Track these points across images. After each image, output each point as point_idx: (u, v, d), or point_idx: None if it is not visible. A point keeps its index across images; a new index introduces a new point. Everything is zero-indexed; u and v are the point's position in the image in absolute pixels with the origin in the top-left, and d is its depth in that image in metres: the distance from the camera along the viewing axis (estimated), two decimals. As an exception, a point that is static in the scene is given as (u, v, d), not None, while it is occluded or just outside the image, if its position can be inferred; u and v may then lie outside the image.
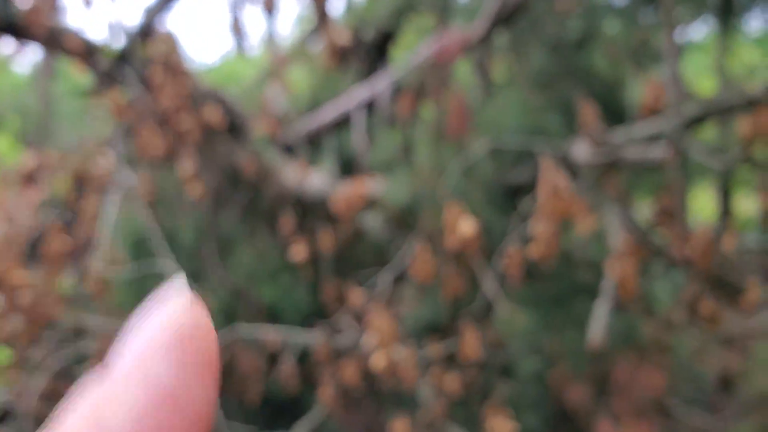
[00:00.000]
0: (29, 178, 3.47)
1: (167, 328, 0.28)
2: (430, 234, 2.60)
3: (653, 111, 2.75)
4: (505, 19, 2.88)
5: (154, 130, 3.02)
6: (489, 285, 2.49)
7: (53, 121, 4.36)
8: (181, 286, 0.31)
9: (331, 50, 2.77)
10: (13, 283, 3.04)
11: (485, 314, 2.71)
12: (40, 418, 3.57)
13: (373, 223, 3.02)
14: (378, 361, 2.54)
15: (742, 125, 2.58)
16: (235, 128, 3.32)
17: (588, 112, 2.62)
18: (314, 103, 3.70)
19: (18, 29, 3.21)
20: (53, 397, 3.58)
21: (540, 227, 2.33)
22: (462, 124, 2.56)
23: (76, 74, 3.82)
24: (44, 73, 3.93)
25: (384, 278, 2.57)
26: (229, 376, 3.34)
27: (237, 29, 2.55)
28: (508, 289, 2.65)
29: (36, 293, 3.19)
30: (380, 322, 2.50)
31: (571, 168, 2.62)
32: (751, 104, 2.56)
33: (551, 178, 2.29)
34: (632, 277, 2.38)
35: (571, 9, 3.09)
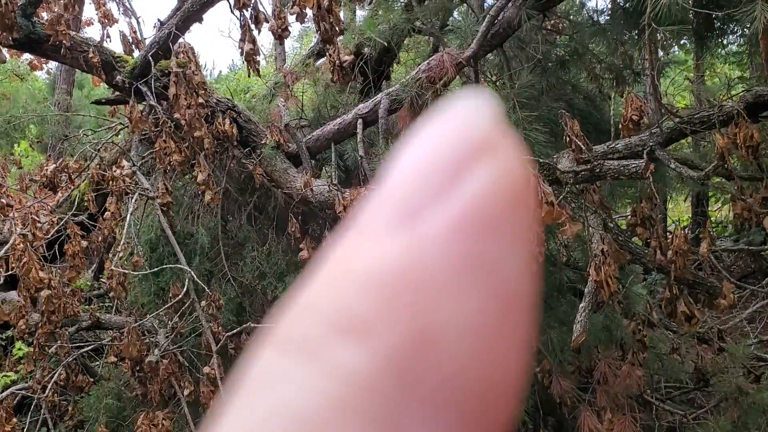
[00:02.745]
0: (50, 183, 3.64)
1: (505, 185, 0.19)
2: None
3: (635, 125, 2.92)
4: (496, 38, 3.07)
5: (170, 140, 3.18)
6: None
7: (72, 128, 4.51)
8: (488, 104, 0.21)
9: (335, 67, 2.95)
10: (35, 281, 3.20)
11: None
12: (57, 408, 3.76)
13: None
14: None
15: (719, 138, 2.75)
16: (246, 138, 3.50)
17: (572, 127, 2.78)
18: (318, 115, 3.88)
19: (40, 45, 3.38)
20: (70, 388, 3.76)
21: None
22: None
23: (96, 83, 4.01)
24: (64, 80, 4.10)
25: None
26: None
27: (249, 58, 2.71)
28: None
29: (55, 290, 3.36)
30: None
31: (557, 178, 2.80)
32: (727, 119, 2.74)
33: (538, 188, 2.45)
34: (613, 279, 2.56)
35: (558, 28, 3.27)
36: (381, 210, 0.20)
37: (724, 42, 3.60)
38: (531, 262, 0.19)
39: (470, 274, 0.18)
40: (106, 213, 3.32)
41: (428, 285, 0.18)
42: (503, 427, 0.19)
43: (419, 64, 3.16)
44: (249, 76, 2.87)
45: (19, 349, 4.09)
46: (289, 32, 2.72)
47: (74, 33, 3.50)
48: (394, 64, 3.93)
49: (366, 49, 3.54)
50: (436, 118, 0.20)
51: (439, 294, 0.18)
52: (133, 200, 3.17)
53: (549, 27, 3.36)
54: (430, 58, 3.00)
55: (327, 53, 2.94)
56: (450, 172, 0.19)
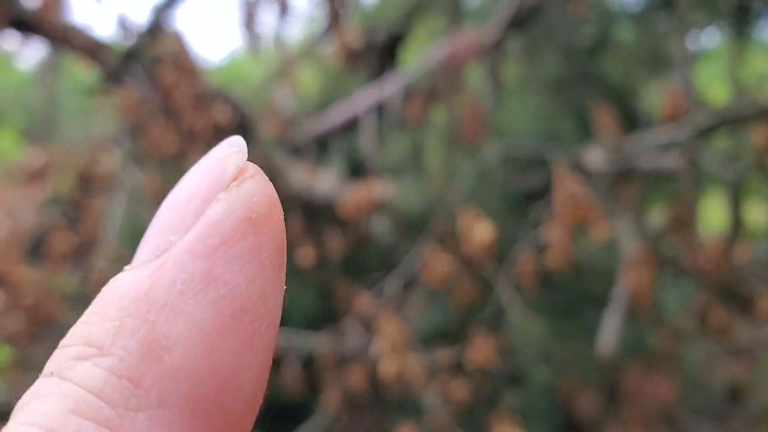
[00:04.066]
0: (33, 176, 3.44)
1: (237, 212, 0.23)
2: (442, 239, 2.57)
3: (672, 119, 2.73)
4: (518, 23, 2.85)
5: (161, 129, 2.99)
6: (501, 292, 2.45)
7: (57, 118, 4.33)
8: (240, 146, 0.25)
9: (342, 51, 2.74)
10: (15, 281, 3.00)
11: (496, 321, 2.68)
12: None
13: (382, 227, 2.99)
14: (387, 368, 2.51)
15: (756, 135, 2.56)
16: (242, 128, 3.29)
17: (603, 118, 2.58)
18: (323, 105, 3.66)
19: (25, 24, 3.18)
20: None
21: (555, 234, 2.29)
22: (475, 128, 2.53)
23: (81, 71, 3.80)
24: (49, 69, 3.88)
25: (393, 283, 2.53)
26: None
27: (250, 27, 2.51)
28: (520, 296, 2.62)
29: (38, 292, 3.15)
30: (389, 327, 2.47)
31: (584, 175, 2.59)
32: (764, 114, 2.53)
33: (566, 185, 2.26)
34: (647, 287, 2.35)
35: (584, 14, 3.07)
36: (144, 243, 0.24)
37: (762, 30, 3.39)
38: (268, 275, 0.23)
39: (197, 289, 0.22)
40: (92, 207, 3.11)
41: (159, 303, 0.22)
42: (241, 425, 0.22)
43: (433, 50, 2.95)
44: (249, 59, 2.64)
45: (-1, 353, 3.86)
46: (290, 10, 2.51)
47: (62, 17, 3.28)
48: (406, 50, 3.73)
49: (376, 33, 3.34)
50: (198, 163, 0.25)
51: (168, 309, 0.22)
52: (121, 193, 2.97)
53: (575, 12, 3.13)
54: (445, 43, 2.79)
55: (334, 37, 2.73)
56: (196, 205, 0.23)
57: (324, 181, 3.17)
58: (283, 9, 2.49)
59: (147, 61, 3.18)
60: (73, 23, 3.29)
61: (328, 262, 3.30)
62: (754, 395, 3.19)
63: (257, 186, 0.24)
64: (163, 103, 3.07)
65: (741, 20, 3.26)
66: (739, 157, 3.15)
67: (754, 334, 3.53)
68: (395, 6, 3.34)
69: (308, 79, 3.95)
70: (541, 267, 2.43)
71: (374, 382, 3.18)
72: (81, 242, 3.42)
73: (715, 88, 3.82)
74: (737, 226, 3.29)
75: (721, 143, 3.28)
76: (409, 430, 2.81)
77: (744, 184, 3.24)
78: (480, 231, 2.26)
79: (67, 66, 4.24)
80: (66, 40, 3.19)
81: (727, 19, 3.27)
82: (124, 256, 3.17)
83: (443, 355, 2.90)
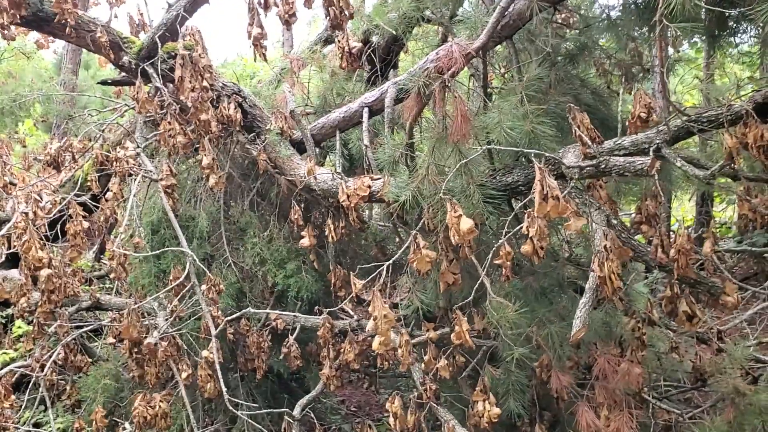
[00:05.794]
0: (54, 162, 3.63)
1: None
2: (430, 228, 2.77)
3: (643, 122, 2.89)
4: (505, 31, 3.04)
5: (175, 121, 3.17)
6: (482, 277, 2.63)
7: (77, 108, 4.50)
8: None
9: (343, 54, 2.92)
10: (34, 259, 3.20)
11: (477, 304, 2.87)
12: (55, 387, 3.77)
13: (376, 216, 3.19)
14: (377, 345, 2.71)
15: (727, 138, 2.72)
16: (250, 123, 3.48)
17: (581, 121, 2.76)
18: (324, 103, 3.86)
19: (48, 23, 3.36)
20: (68, 368, 3.77)
21: (532, 227, 2.48)
22: (462, 128, 2.72)
23: (102, 64, 4.00)
24: (70, 61, 4.08)
25: (384, 268, 2.73)
26: (235, 354, 3.52)
27: (257, 42, 2.69)
28: (499, 281, 2.81)
29: (56, 270, 3.36)
30: (380, 308, 2.66)
31: (562, 173, 2.78)
32: (735, 119, 2.71)
33: (544, 183, 2.43)
34: (615, 276, 2.54)
35: (568, 23, 3.24)
36: None
37: (736, 41, 3.56)
38: None
39: None
40: (109, 194, 3.31)
41: None
42: None
43: (427, 54, 3.13)
44: (255, 61, 2.84)
45: (19, 327, 4.10)
46: (296, 18, 2.71)
47: (81, 12, 3.47)
48: (402, 53, 3.91)
49: (374, 38, 3.52)
50: None
51: None
52: (136, 182, 3.16)
53: (559, 20, 3.33)
54: (439, 48, 2.97)
55: (336, 39, 2.92)
56: None
57: (324, 173, 3.35)
58: (287, 23, 2.67)
59: (163, 56, 3.36)
60: (92, 20, 3.48)
61: (326, 246, 3.53)
62: (719, 380, 3.34)
63: None
64: (177, 97, 3.27)
65: (718, 30, 3.43)
66: (711, 158, 3.30)
67: (720, 324, 3.73)
68: (393, 11, 3.51)
69: (311, 78, 4.12)
70: (520, 256, 2.62)
71: (366, 357, 3.41)
72: (98, 225, 3.64)
73: (691, 93, 3.99)
74: (706, 223, 3.45)
75: (694, 145, 3.44)
76: (398, 403, 3.05)
77: (714, 184, 3.41)
78: (463, 222, 2.48)
79: (88, 58, 4.39)
80: (84, 37, 3.38)
81: (704, 28, 3.42)
82: (137, 239, 3.39)
83: (429, 334, 3.14)
